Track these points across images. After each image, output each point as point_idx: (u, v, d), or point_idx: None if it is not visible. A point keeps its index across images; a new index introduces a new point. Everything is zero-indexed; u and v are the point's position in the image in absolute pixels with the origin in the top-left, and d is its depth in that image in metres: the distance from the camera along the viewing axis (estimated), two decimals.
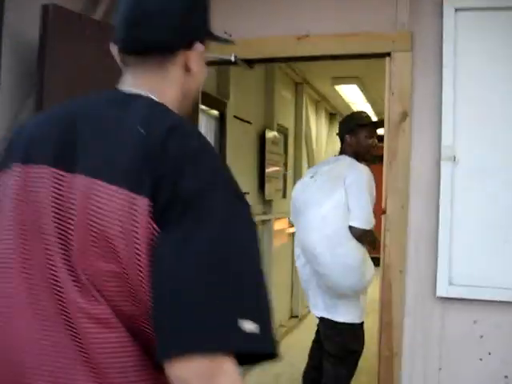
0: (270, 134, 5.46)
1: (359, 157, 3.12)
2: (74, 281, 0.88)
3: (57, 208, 0.91)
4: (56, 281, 0.89)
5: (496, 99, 2.46)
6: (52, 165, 0.93)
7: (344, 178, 2.88)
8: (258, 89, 5.42)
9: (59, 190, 0.92)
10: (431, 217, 2.58)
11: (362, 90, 6.95)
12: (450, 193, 2.50)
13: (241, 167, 4.49)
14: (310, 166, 7.16)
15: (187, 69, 1.04)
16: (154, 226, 0.84)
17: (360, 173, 2.91)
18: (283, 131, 6.08)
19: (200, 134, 0.95)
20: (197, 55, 1.04)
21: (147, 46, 1.01)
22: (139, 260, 0.84)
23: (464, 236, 2.50)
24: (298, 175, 6.58)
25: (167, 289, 0.81)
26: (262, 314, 0.83)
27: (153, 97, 0.99)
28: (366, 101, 7.51)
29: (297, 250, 3.16)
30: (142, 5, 1.00)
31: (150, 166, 0.86)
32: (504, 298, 2.46)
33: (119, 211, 0.85)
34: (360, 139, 3.15)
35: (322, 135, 8.04)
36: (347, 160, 3.05)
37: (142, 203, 0.84)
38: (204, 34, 1.07)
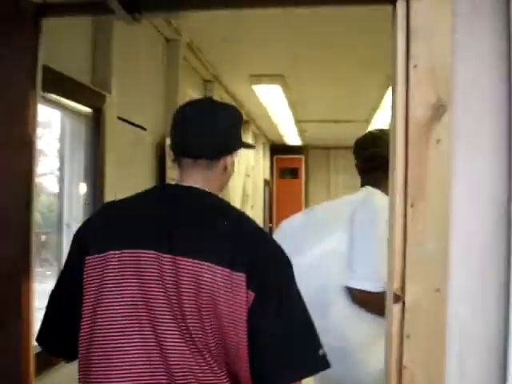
0: None
1: None
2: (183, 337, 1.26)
3: (162, 281, 1.27)
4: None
5: None
6: (158, 250, 1.29)
7: (350, 217, 2.00)
8: (155, 83, 4.02)
9: (165, 268, 1.27)
10: (493, 309, 1.31)
11: (284, 92, 5.72)
12: None
13: (130, 188, 3.06)
14: None
15: (225, 168, 1.46)
16: (249, 291, 1.26)
17: (375, 210, 1.92)
18: (168, 152, 4.70)
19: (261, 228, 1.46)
20: (232, 159, 1.47)
21: (203, 155, 1.42)
22: (239, 317, 1.25)
23: None
24: None
25: (275, 339, 1.28)
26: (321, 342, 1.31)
27: (207, 189, 1.41)
28: (288, 105, 6.29)
29: None
30: (205, 126, 1.41)
31: (242, 252, 1.29)
32: None
33: (222, 282, 1.25)
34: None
35: None
36: (365, 191, 2.13)
37: (240, 277, 1.25)
38: (239, 145, 1.51)
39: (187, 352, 1.26)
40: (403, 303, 1.34)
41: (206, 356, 1.26)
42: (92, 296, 1.31)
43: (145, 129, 3.59)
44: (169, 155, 1.49)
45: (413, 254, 1.33)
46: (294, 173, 11.07)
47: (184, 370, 1.26)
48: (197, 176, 1.42)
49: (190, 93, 4.80)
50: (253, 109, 6.94)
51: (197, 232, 1.32)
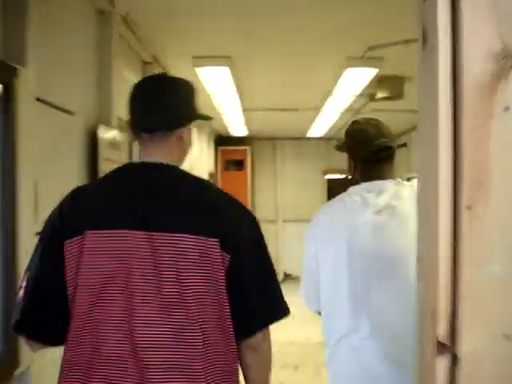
0: (107, 134, 3.52)
1: None
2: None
3: (139, 258, 1.37)
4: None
5: None
6: (131, 228, 1.38)
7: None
8: (86, 62, 3.45)
9: (139, 244, 1.37)
10: None
11: (232, 75, 5.24)
12: None
13: (54, 184, 2.52)
14: None
15: (180, 139, 1.56)
16: (225, 254, 1.40)
17: None
18: (127, 130, 4.14)
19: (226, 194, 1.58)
20: (187, 130, 1.59)
21: (157, 128, 1.52)
22: (219, 280, 1.40)
23: None
24: None
25: (251, 290, 1.46)
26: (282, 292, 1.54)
27: (169, 162, 1.52)
28: (235, 91, 5.80)
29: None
30: (155, 102, 1.51)
31: (213, 219, 1.42)
32: None
33: (198, 250, 1.38)
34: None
35: None
36: (395, 184, 2.01)
37: (215, 242, 1.39)
38: (194, 117, 1.62)
39: (165, 326, 1.35)
40: (453, 356, 0.89)
41: (187, 327, 1.36)
42: (71, 278, 1.40)
43: (72, 113, 3.03)
44: (132, 133, 1.57)
45: (469, 281, 0.88)
46: (239, 164, 10.62)
47: (157, 346, 1.34)
48: (155, 149, 1.52)
49: (127, 74, 4.25)
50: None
51: (167, 205, 1.42)
